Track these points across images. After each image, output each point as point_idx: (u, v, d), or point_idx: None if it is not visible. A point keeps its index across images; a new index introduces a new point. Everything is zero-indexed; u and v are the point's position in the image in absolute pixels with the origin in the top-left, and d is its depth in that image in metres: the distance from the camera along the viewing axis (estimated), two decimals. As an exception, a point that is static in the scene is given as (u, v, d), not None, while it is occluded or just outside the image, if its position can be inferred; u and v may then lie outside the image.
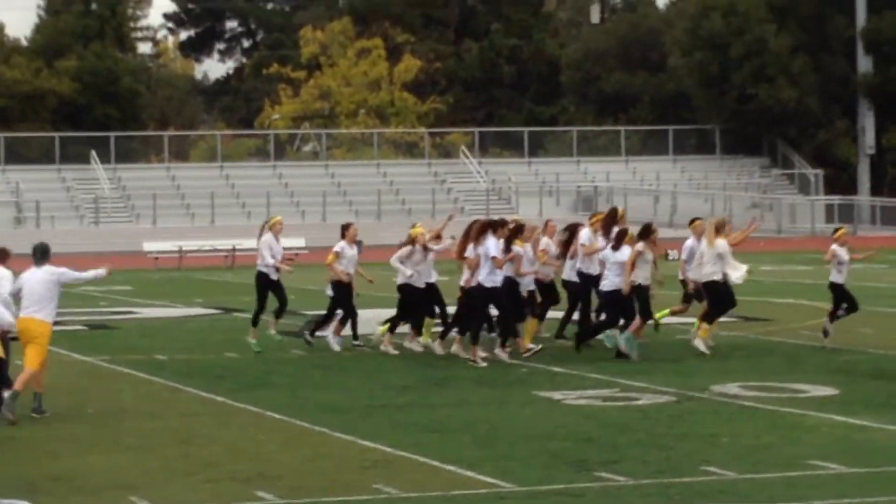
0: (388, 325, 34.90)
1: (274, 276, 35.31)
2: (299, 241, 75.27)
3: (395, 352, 34.12)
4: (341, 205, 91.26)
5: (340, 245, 35.34)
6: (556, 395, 26.30)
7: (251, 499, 18.36)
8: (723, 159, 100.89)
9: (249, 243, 76.51)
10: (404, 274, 33.91)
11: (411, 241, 34.71)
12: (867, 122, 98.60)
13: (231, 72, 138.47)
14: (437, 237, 35.24)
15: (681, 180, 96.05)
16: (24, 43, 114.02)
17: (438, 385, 28.67)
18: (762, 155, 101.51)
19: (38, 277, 26.00)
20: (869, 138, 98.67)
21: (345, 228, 36.41)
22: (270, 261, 34.69)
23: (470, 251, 32.34)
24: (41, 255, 26.55)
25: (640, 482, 19.09)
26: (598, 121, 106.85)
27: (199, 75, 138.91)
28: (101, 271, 27.06)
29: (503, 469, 19.88)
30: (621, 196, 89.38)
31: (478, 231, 31.97)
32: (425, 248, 34.24)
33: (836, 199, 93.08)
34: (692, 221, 34.84)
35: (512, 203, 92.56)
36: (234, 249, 73.23)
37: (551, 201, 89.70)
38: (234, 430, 23.49)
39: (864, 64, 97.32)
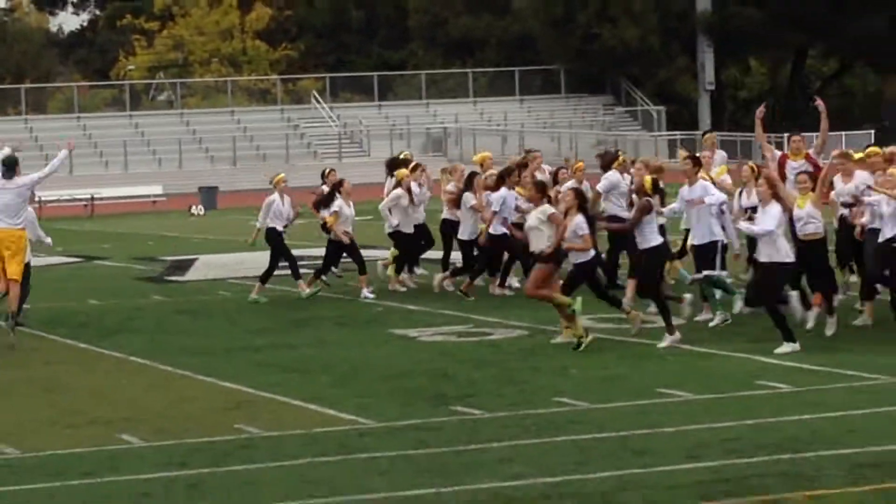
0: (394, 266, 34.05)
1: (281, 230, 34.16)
2: (157, 189, 75.03)
3: (403, 289, 33.67)
4: (197, 152, 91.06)
5: (338, 203, 33.13)
6: (412, 333, 26.59)
7: (116, 442, 18.38)
8: (568, 98, 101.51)
9: (107, 192, 76.35)
10: (391, 223, 33.21)
11: (398, 183, 33.79)
12: (706, 59, 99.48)
13: (85, 24, 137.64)
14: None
15: (528, 120, 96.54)
16: None
17: (298, 326, 28.73)
18: (606, 93, 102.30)
19: (10, 189, 26.81)
20: (708, 74, 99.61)
21: (339, 185, 34.13)
22: (259, 223, 33.58)
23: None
24: (10, 167, 27.27)
25: (496, 415, 19.31)
26: (446, 64, 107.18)
27: (53, 28, 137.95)
28: (63, 153, 28.77)
29: (362, 406, 20.06)
30: (470, 137, 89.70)
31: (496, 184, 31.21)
32: (410, 193, 33.27)
33: (678, 135, 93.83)
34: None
35: (363, 146, 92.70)
36: (92, 198, 72.63)
37: (402, 144, 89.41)
38: (99, 377, 23.52)
39: (703, 2, 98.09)
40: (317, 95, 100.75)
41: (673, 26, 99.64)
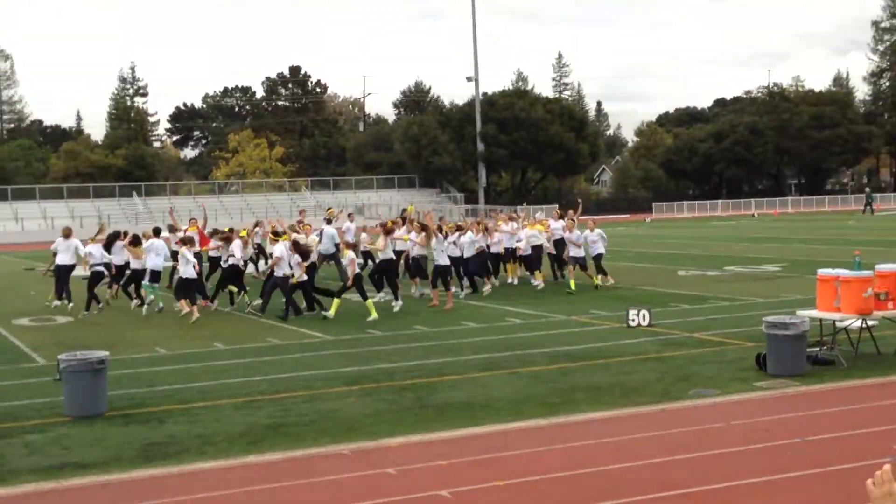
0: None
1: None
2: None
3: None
4: (251, 217, 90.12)
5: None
6: (355, 296, 25.37)
7: (212, 347, 18.13)
8: (420, 190, 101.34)
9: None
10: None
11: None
12: (482, 172, 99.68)
13: (198, 154, 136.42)
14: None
15: (400, 199, 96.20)
16: (99, 141, 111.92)
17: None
18: (436, 188, 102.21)
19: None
20: (482, 180, 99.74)
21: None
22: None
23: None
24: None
25: (386, 334, 19.12)
26: (365, 173, 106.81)
27: (182, 155, 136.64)
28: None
29: (324, 329, 19.85)
30: (375, 209, 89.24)
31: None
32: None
33: (469, 206, 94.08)
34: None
35: (323, 212, 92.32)
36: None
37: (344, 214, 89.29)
38: (204, 317, 22.93)
39: (480, 147, 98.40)
40: (306, 188, 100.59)
41: (467, 158, 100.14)
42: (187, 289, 22.59)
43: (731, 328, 18.39)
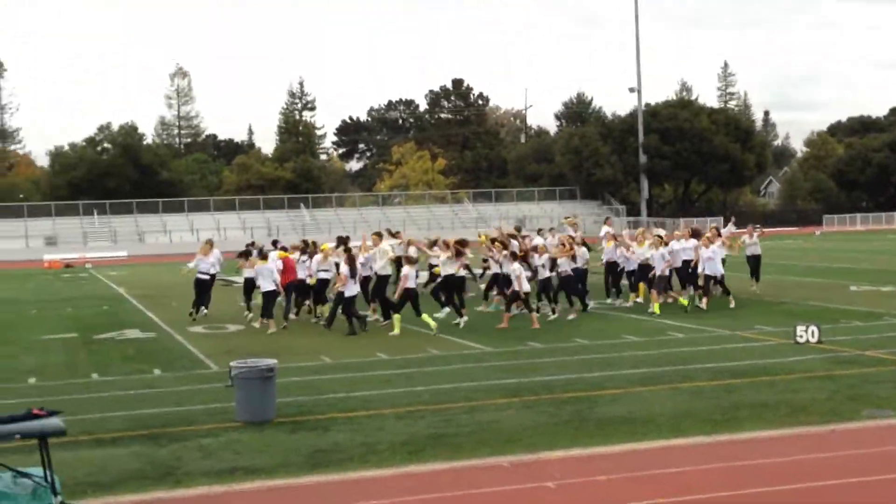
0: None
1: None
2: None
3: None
4: (412, 227, 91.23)
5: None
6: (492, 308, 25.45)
7: (374, 357, 18.42)
8: (581, 201, 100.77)
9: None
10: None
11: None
12: (644, 184, 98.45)
13: (362, 166, 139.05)
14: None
15: (562, 210, 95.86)
16: (269, 154, 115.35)
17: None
18: (597, 199, 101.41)
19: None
20: (644, 192, 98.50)
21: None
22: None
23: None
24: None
25: (547, 346, 19.10)
26: (527, 185, 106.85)
27: (348, 168, 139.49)
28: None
29: (483, 341, 19.94)
30: (537, 220, 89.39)
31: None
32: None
33: (631, 219, 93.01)
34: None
35: (487, 222, 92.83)
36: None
37: (503, 222, 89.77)
38: (373, 330, 23.24)
39: (643, 158, 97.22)
40: (467, 200, 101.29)
41: (629, 169, 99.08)
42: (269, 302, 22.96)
43: (907, 347, 17.61)
